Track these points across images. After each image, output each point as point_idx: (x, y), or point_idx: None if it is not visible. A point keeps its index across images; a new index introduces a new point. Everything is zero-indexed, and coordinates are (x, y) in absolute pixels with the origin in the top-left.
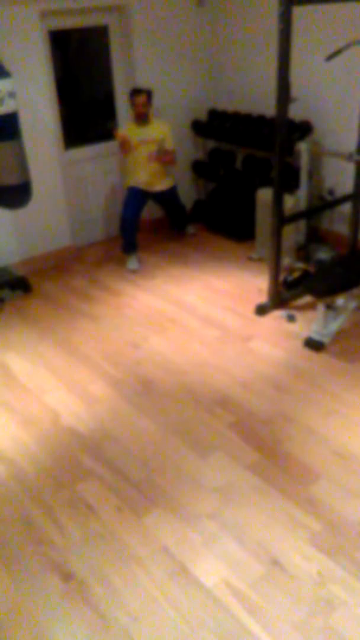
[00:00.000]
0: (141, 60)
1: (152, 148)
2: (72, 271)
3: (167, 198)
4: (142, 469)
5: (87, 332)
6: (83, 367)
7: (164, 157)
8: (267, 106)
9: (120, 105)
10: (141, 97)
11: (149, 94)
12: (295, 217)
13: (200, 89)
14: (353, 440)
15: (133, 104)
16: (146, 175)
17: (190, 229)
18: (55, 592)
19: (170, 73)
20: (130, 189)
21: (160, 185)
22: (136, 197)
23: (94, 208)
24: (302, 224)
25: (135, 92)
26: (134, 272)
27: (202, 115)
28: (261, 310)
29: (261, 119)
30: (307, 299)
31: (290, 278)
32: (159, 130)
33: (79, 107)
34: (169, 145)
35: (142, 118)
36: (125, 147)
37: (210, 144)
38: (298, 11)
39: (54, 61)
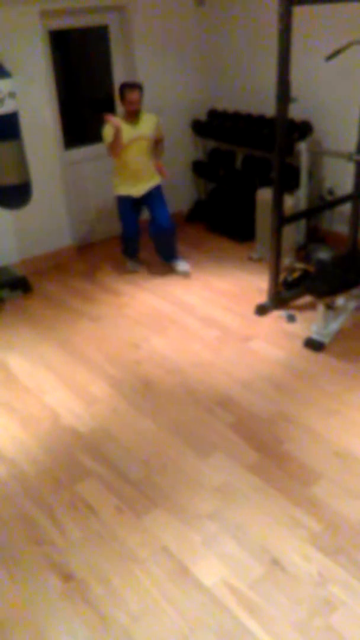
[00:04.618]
0: (141, 60)
1: (142, 145)
2: (72, 271)
3: (153, 197)
4: (142, 469)
5: (87, 332)
6: (83, 367)
7: (159, 165)
8: (267, 106)
9: (120, 106)
10: (135, 93)
11: (140, 88)
12: (295, 217)
13: (200, 89)
14: (353, 440)
15: (125, 100)
16: (135, 176)
17: (182, 266)
18: (55, 592)
19: (170, 73)
20: (122, 201)
21: (148, 184)
22: (131, 210)
23: (94, 208)
24: (302, 224)
25: (127, 86)
26: (134, 272)
27: (202, 115)
28: (261, 310)
29: (261, 119)
30: (307, 299)
31: (290, 278)
32: (149, 124)
33: (79, 107)
34: (160, 133)
35: (134, 115)
36: (118, 141)
37: (210, 144)
38: (298, 11)
39: (54, 61)
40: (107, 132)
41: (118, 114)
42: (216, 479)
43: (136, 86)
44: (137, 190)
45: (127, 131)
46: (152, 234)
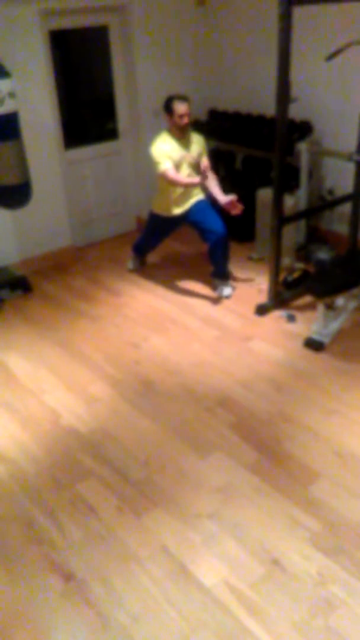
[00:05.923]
0: (141, 60)
1: (192, 164)
2: (72, 271)
3: (200, 209)
4: (142, 469)
5: (87, 332)
6: (83, 367)
7: (232, 201)
8: (267, 106)
9: (120, 105)
10: (185, 105)
11: (189, 101)
12: (295, 217)
13: (200, 89)
14: (353, 440)
15: (174, 114)
16: (184, 197)
17: (225, 290)
18: (55, 592)
19: (170, 73)
20: (158, 219)
21: (192, 202)
22: (163, 230)
23: (94, 208)
24: (302, 224)
25: (177, 99)
26: (134, 272)
27: (202, 115)
28: (261, 310)
29: (261, 119)
30: (307, 299)
31: (290, 278)
32: (198, 144)
33: (79, 107)
34: (206, 159)
35: (185, 131)
36: (193, 183)
37: (210, 144)
38: (298, 11)
39: (54, 61)
40: (163, 154)
41: (162, 141)
42: (216, 479)
43: (186, 98)
44: (182, 209)
45: (177, 150)
46: (212, 244)
